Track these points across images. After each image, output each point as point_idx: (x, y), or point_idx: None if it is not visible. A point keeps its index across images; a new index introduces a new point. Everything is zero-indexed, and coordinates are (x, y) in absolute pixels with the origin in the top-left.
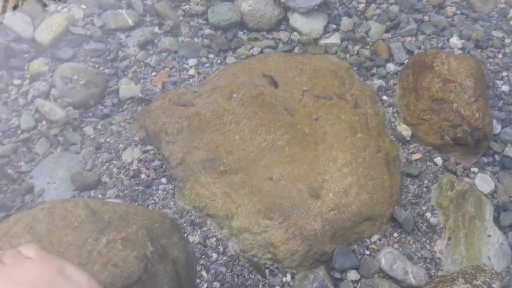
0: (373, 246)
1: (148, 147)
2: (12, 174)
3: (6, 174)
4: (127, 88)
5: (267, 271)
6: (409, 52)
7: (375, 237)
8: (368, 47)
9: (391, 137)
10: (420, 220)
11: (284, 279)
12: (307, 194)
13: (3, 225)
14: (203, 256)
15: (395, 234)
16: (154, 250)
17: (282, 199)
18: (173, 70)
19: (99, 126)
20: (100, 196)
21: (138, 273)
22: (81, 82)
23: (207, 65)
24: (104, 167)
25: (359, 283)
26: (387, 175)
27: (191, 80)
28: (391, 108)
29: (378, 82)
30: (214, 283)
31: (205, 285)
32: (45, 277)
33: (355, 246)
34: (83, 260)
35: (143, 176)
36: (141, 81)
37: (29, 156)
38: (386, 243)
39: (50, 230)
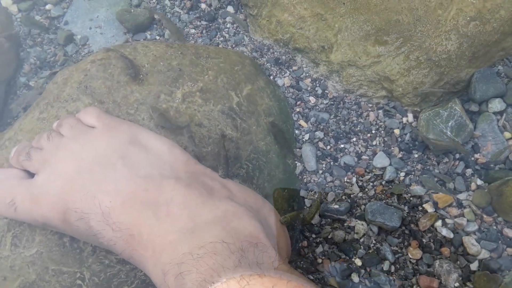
0: None
1: None
2: (41, 21)
3: (34, 21)
4: None
5: (380, 111)
6: None
7: None
8: None
9: None
10: None
11: (404, 119)
12: (435, 2)
13: (51, 87)
14: (298, 102)
15: None
16: (240, 101)
17: (399, 13)
18: None
19: None
20: (158, 38)
21: (226, 130)
22: None
23: None
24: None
25: (504, 114)
26: None
27: None
28: None
29: None
30: (317, 132)
31: (306, 136)
32: (115, 150)
33: (499, 67)
34: None
35: (203, 6)
36: None
37: None
38: None
39: (110, 88)
